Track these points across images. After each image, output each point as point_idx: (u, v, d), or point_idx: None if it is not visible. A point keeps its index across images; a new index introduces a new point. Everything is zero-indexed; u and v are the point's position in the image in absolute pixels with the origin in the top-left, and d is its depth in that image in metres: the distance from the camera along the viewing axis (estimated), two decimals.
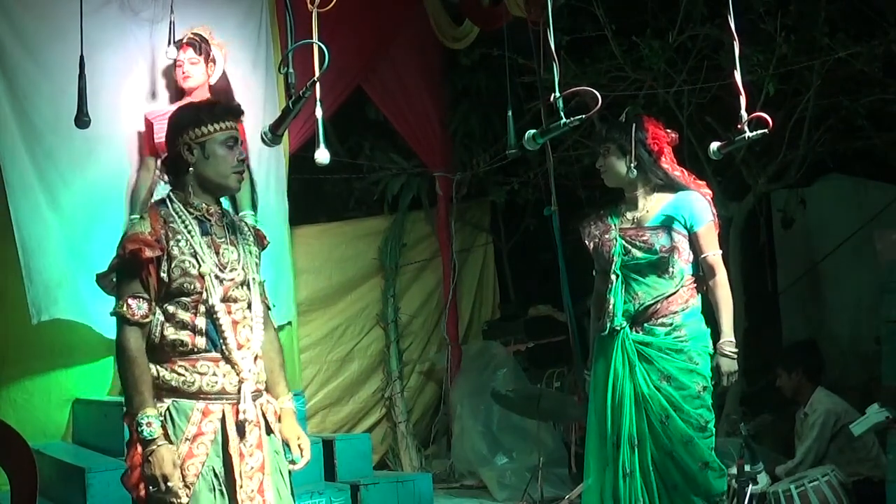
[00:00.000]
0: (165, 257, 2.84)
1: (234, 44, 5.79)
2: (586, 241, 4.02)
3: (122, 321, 2.85)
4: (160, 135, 5.08)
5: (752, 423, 5.53)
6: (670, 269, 3.82)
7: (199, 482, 2.80)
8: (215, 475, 2.83)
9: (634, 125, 3.86)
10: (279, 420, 3.04)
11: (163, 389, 2.84)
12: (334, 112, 6.25)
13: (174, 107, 5.21)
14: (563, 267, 5.25)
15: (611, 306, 3.86)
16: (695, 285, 3.86)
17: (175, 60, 5.21)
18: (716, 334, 3.83)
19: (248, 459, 2.86)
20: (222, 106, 2.99)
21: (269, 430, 2.96)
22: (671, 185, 3.88)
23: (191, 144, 2.93)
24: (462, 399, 6.78)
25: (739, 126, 3.51)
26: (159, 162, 5.18)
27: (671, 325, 3.79)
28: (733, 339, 3.80)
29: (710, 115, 5.97)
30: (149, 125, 5.20)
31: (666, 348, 3.78)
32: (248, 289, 2.97)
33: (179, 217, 2.91)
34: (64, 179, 5.15)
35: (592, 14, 5.86)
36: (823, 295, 7.21)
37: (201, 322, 2.86)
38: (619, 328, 3.83)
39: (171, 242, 2.86)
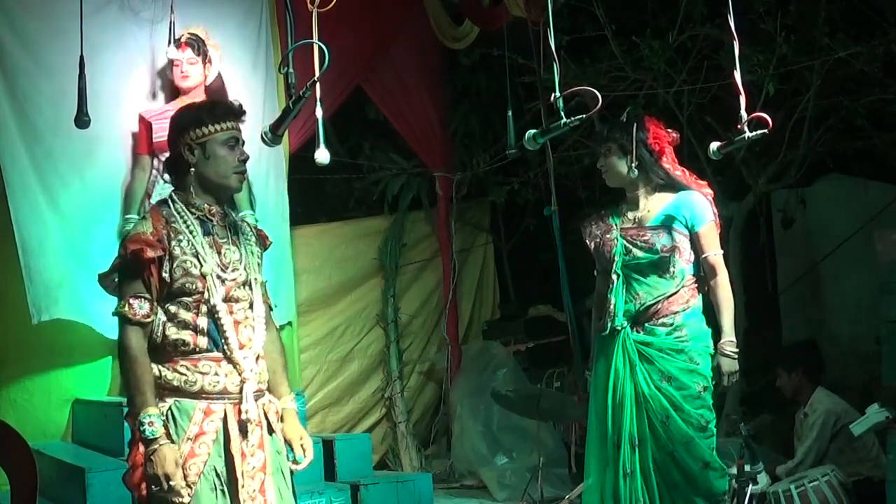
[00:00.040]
0: (167, 257, 2.85)
1: (234, 44, 5.80)
2: (587, 241, 4.01)
3: (124, 321, 2.86)
4: (160, 134, 5.10)
5: (752, 423, 5.53)
6: (671, 269, 3.81)
7: (201, 482, 2.80)
8: (217, 475, 2.83)
9: (635, 125, 3.86)
10: (282, 420, 3.04)
11: (165, 389, 2.85)
12: (334, 112, 6.25)
13: (170, 106, 5.23)
14: (563, 267, 5.25)
15: (612, 306, 3.86)
16: (696, 285, 3.85)
17: (173, 60, 5.21)
18: (717, 334, 3.83)
19: (250, 459, 2.86)
20: (224, 106, 2.99)
21: (270, 430, 2.97)
22: (672, 185, 3.88)
23: (192, 145, 2.93)
24: (462, 399, 6.78)
25: (739, 126, 3.51)
26: (156, 161, 5.19)
27: (672, 325, 3.79)
28: (734, 339, 3.80)
29: (710, 115, 5.97)
30: (145, 124, 5.20)
31: (667, 348, 3.78)
32: (250, 289, 2.98)
33: (181, 217, 2.92)
34: (63, 180, 5.15)
35: (592, 14, 5.86)
36: (823, 295, 7.21)
37: (203, 322, 2.87)
38: (619, 328, 3.83)
39: (173, 242, 2.86)
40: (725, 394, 5.68)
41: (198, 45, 5.25)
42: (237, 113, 2.99)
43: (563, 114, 3.18)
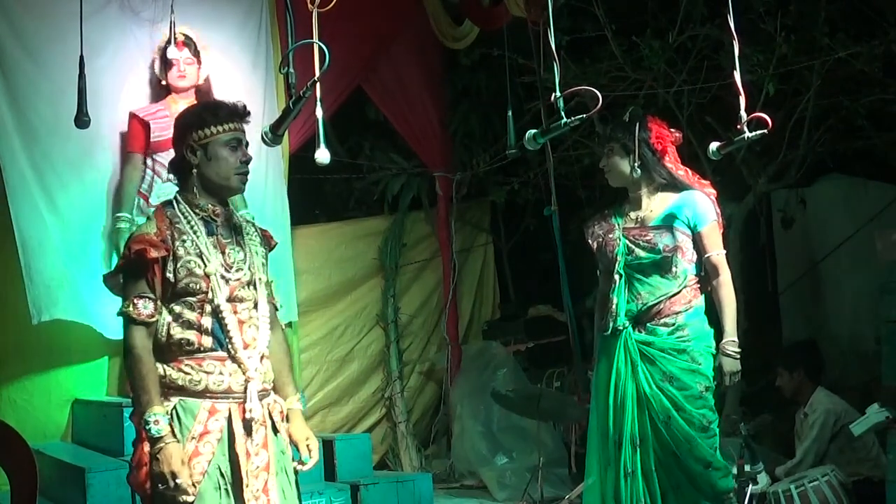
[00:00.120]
0: (171, 257, 2.87)
1: (234, 44, 5.81)
2: (590, 241, 4.00)
3: (129, 321, 2.86)
4: (158, 134, 5.11)
5: (752, 423, 5.53)
6: (673, 269, 3.81)
7: (205, 481, 2.81)
8: (221, 474, 2.84)
9: (638, 124, 3.86)
10: (287, 420, 3.05)
11: (169, 388, 2.86)
12: (334, 112, 6.25)
13: (161, 105, 5.23)
14: (563, 267, 5.26)
15: (614, 306, 3.85)
16: (698, 285, 3.85)
17: (171, 59, 5.21)
18: (719, 334, 3.82)
19: (254, 458, 2.88)
20: (227, 107, 3.00)
21: (275, 430, 2.98)
22: (675, 185, 3.88)
23: (194, 146, 2.95)
24: (462, 399, 6.78)
25: (739, 126, 3.51)
26: (150, 160, 5.19)
27: (674, 325, 3.78)
28: (736, 339, 3.79)
29: (710, 115, 5.97)
30: (141, 123, 5.18)
31: (668, 348, 3.77)
32: (255, 289, 2.99)
33: (185, 218, 2.94)
34: (62, 180, 5.16)
35: (592, 14, 5.86)
36: (823, 295, 7.20)
37: (207, 322, 2.88)
38: (621, 328, 3.82)
39: (177, 243, 2.88)
40: (725, 394, 5.68)
41: (194, 45, 5.27)
42: (240, 114, 3.00)
43: (563, 114, 3.18)
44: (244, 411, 2.87)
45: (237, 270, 2.95)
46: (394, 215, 7.36)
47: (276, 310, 3.14)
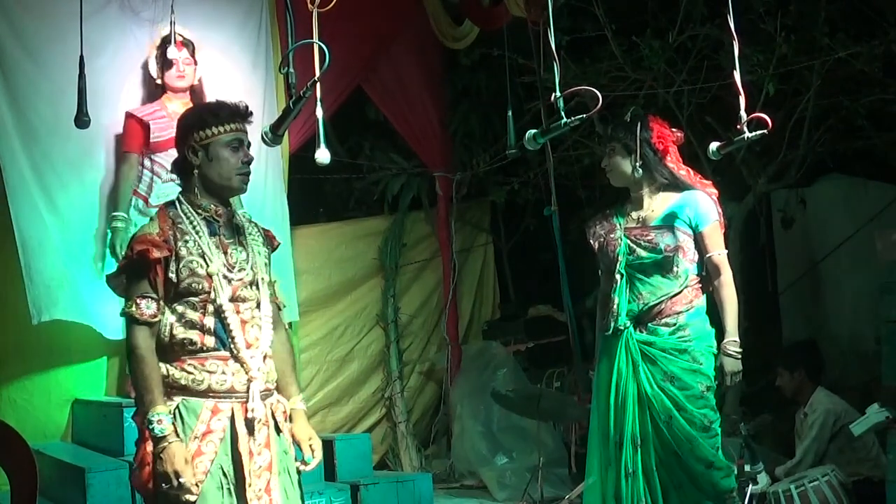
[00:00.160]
0: (173, 258, 2.88)
1: (234, 44, 5.81)
2: (591, 241, 4.00)
3: (132, 321, 2.87)
4: (157, 134, 5.11)
5: (752, 423, 5.54)
6: (675, 269, 3.80)
7: (208, 480, 2.82)
8: (224, 474, 2.85)
9: (639, 124, 3.86)
10: (290, 420, 3.06)
11: (172, 388, 2.87)
12: (334, 112, 6.25)
13: (157, 105, 5.21)
14: (563, 267, 5.25)
15: (615, 306, 3.85)
16: (699, 285, 3.84)
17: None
18: (720, 334, 3.82)
19: (257, 458, 2.88)
20: (229, 108, 3.01)
21: (278, 430, 2.98)
22: (676, 185, 3.88)
23: (195, 146, 2.97)
24: (462, 399, 6.78)
25: (739, 126, 3.51)
26: (148, 161, 5.18)
27: (675, 325, 3.78)
28: (737, 339, 3.78)
29: (710, 115, 5.97)
30: (139, 123, 5.17)
31: (669, 348, 3.76)
32: (257, 288, 3.00)
33: (188, 218, 2.95)
34: (62, 180, 5.16)
35: (592, 14, 5.86)
36: (823, 295, 7.20)
37: (210, 321, 2.89)
38: (622, 328, 3.82)
39: (179, 243, 2.89)
40: (726, 394, 5.68)
41: (192, 46, 5.28)
42: (242, 114, 3.01)
43: (563, 114, 3.18)
44: (247, 411, 2.88)
45: (239, 270, 2.96)
46: (394, 215, 7.36)
47: (280, 310, 3.15)
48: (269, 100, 5.87)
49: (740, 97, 3.47)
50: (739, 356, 3.78)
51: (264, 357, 2.97)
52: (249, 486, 2.84)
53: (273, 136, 3.05)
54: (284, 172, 6.09)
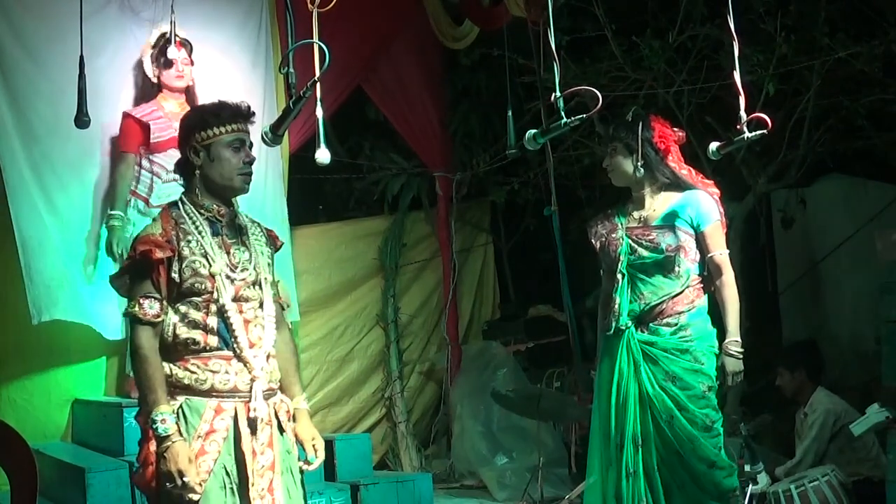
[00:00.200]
0: (176, 258, 2.89)
1: (234, 44, 5.81)
2: (593, 241, 4.00)
3: (135, 321, 2.89)
4: (157, 135, 5.11)
5: (752, 423, 5.53)
6: (676, 269, 3.80)
7: (210, 480, 2.83)
8: (227, 473, 2.86)
9: (641, 124, 3.85)
10: (294, 420, 3.06)
11: (176, 387, 2.88)
12: (334, 112, 6.24)
13: (153, 105, 5.20)
14: (563, 267, 5.25)
15: (616, 306, 3.84)
16: (701, 285, 3.84)
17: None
18: (722, 334, 3.82)
19: (260, 458, 2.89)
20: (230, 108, 3.02)
21: (281, 430, 2.99)
22: (678, 184, 3.87)
23: (197, 147, 2.98)
24: (462, 399, 6.78)
25: (739, 126, 3.51)
26: (146, 161, 5.18)
27: (676, 325, 3.78)
28: (739, 339, 3.78)
29: (710, 115, 5.97)
30: (138, 123, 5.16)
31: (671, 348, 3.76)
32: (260, 288, 3.01)
33: (190, 218, 2.96)
34: (61, 181, 5.16)
35: (592, 14, 5.86)
36: (823, 295, 7.20)
37: (213, 321, 2.90)
38: (624, 328, 3.82)
39: (182, 243, 2.91)
40: (726, 394, 5.68)
41: (190, 46, 5.27)
42: (244, 114, 3.02)
43: (563, 114, 3.18)
44: (249, 410, 2.88)
45: (242, 270, 2.97)
46: (394, 215, 7.35)
47: (284, 309, 3.16)
48: (269, 100, 5.87)
49: (740, 97, 3.47)
50: (741, 356, 3.77)
51: (267, 356, 2.98)
52: (252, 485, 2.85)
53: (273, 136, 3.05)
54: (284, 172, 6.09)
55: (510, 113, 4.75)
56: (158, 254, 2.86)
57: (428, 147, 7.19)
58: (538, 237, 7.34)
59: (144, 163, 5.18)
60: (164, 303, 2.89)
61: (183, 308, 2.90)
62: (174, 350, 2.90)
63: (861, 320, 6.65)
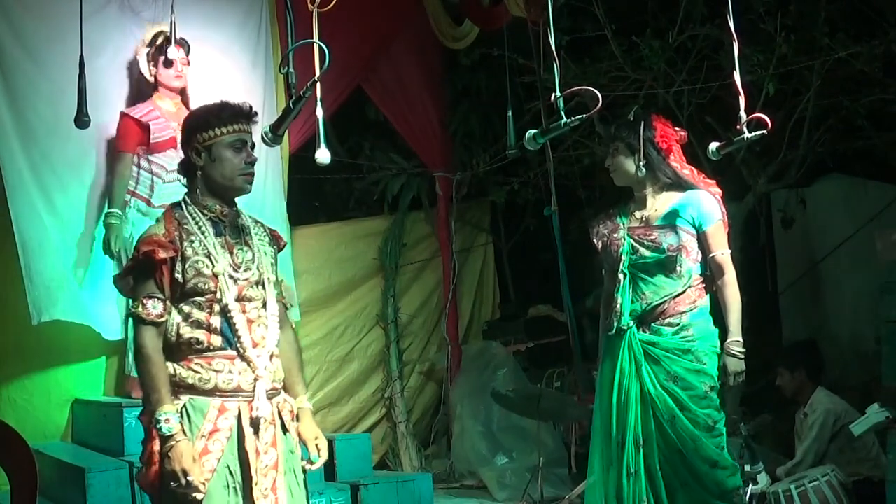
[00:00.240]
0: (179, 258, 2.90)
1: (234, 44, 5.81)
2: (594, 240, 3.99)
3: (139, 321, 2.90)
4: (157, 135, 5.11)
5: (752, 423, 5.53)
6: (678, 269, 3.79)
7: (214, 479, 2.83)
8: (230, 472, 2.87)
9: (643, 123, 3.85)
10: (297, 420, 3.07)
11: (180, 387, 2.89)
12: (334, 112, 6.25)
13: (151, 105, 5.20)
14: (563, 267, 5.25)
15: (618, 306, 3.84)
16: (703, 285, 3.83)
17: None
18: (723, 334, 3.81)
19: (263, 457, 2.90)
20: (231, 108, 3.02)
21: (284, 429, 3.00)
22: (680, 184, 3.87)
23: (199, 148, 2.99)
24: (462, 399, 6.78)
25: (738, 127, 3.51)
26: (145, 161, 5.18)
27: (678, 325, 3.77)
28: (741, 339, 3.77)
29: (710, 115, 5.96)
30: (137, 124, 5.16)
31: (673, 348, 3.76)
32: (263, 288, 3.02)
33: (193, 219, 2.97)
34: (61, 181, 5.15)
35: (592, 14, 5.85)
36: (823, 295, 7.20)
37: (216, 321, 2.91)
38: (625, 328, 3.81)
39: (185, 243, 2.92)
40: (727, 394, 5.67)
41: (188, 46, 5.27)
42: (246, 114, 3.03)
43: (563, 114, 3.18)
44: (253, 410, 2.89)
45: (245, 270, 2.98)
46: (394, 215, 7.35)
47: (287, 309, 3.18)
48: (269, 100, 5.87)
49: (740, 97, 3.47)
50: (743, 356, 3.77)
51: (271, 356, 2.98)
52: (256, 484, 2.86)
53: (273, 136, 3.06)
54: (284, 172, 6.10)
55: (510, 113, 4.76)
56: (162, 254, 2.87)
57: (428, 147, 7.19)
58: (538, 237, 7.34)
59: (143, 163, 5.18)
60: (168, 303, 2.90)
61: (186, 308, 2.91)
62: (178, 350, 2.91)
63: (861, 320, 6.64)
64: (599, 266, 4.07)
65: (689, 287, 3.80)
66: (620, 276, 3.86)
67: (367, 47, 6.56)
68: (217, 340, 2.90)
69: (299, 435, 3.06)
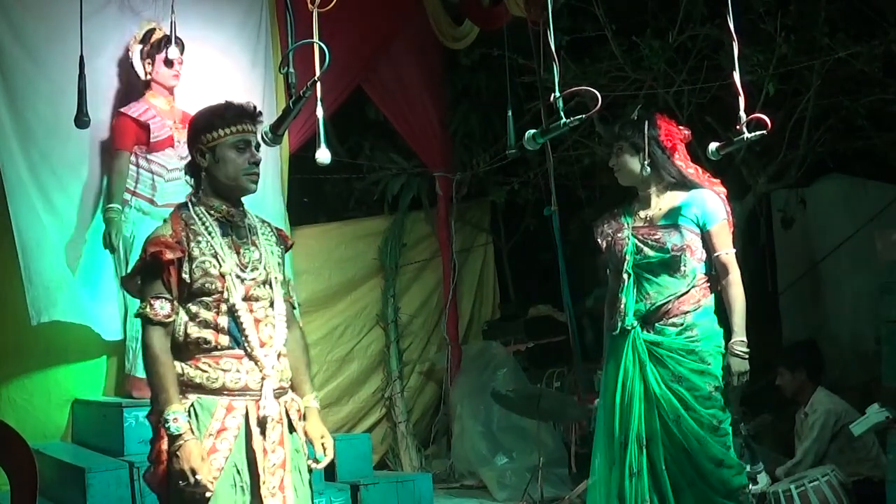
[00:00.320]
0: (186, 258, 2.92)
1: (234, 43, 5.81)
2: (599, 240, 3.98)
3: (146, 321, 2.91)
4: (156, 135, 5.11)
5: (752, 423, 5.53)
6: (682, 268, 3.79)
7: (221, 478, 2.84)
8: (238, 471, 2.88)
9: (647, 122, 3.84)
10: (303, 418, 3.08)
11: (187, 386, 2.90)
12: (334, 112, 6.24)
13: (145, 104, 5.19)
14: (563, 267, 5.26)
15: (622, 305, 3.83)
16: (707, 284, 3.83)
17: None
18: (728, 333, 3.81)
19: (271, 456, 2.91)
20: (234, 108, 3.04)
21: (291, 428, 3.01)
22: (684, 183, 3.86)
23: (203, 149, 3.01)
24: (462, 399, 6.78)
25: (738, 127, 3.51)
26: (144, 161, 5.18)
27: (682, 324, 3.77)
28: (745, 339, 3.76)
29: (710, 115, 5.96)
30: (137, 123, 5.15)
31: (677, 349, 3.75)
32: (270, 287, 3.03)
33: (200, 219, 2.99)
34: (60, 182, 5.15)
35: (592, 14, 5.85)
36: (823, 295, 7.20)
37: (223, 321, 2.92)
38: (630, 328, 3.81)
39: (192, 244, 2.93)
40: (728, 394, 5.67)
41: (182, 45, 5.26)
42: (250, 115, 3.04)
43: (563, 114, 3.18)
44: (260, 409, 2.90)
45: (252, 270, 3.00)
46: (394, 215, 7.35)
47: (294, 308, 3.19)
48: (269, 100, 5.87)
49: (740, 97, 3.47)
50: (747, 356, 3.76)
51: (278, 355, 3.00)
52: (264, 483, 2.87)
53: (273, 136, 3.06)
54: (284, 172, 6.10)
55: (510, 113, 4.76)
56: (169, 255, 2.89)
57: (428, 147, 7.19)
58: (538, 237, 7.34)
59: (142, 163, 5.17)
60: (175, 303, 2.91)
61: (194, 308, 2.92)
62: (185, 349, 2.92)
63: (861, 320, 6.64)
64: (599, 266, 4.07)
65: (694, 287, 3.79)
66: (624, 275, 3.85)
67: (367, 47, 6.56)
68: (224, 340, 2.92)
69: (306, 434, 3.08)
